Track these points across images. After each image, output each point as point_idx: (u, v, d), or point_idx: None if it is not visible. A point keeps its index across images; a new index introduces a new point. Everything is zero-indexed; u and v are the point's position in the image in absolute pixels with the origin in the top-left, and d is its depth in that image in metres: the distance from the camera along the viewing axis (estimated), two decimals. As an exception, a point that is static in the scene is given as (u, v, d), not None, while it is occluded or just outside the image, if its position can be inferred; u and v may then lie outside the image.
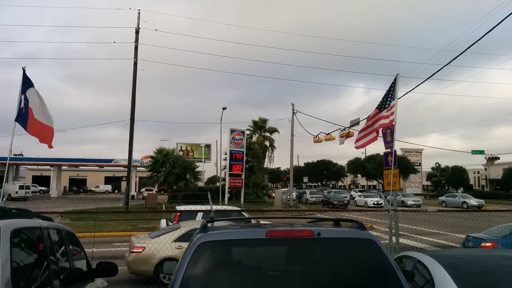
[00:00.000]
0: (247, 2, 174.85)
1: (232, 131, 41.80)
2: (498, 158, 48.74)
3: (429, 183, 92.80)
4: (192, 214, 12.04)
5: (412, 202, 42.73)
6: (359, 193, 53.15)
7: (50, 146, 9.24)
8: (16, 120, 8.32)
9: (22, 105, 8.35)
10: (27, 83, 8.56)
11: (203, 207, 13.84)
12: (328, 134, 32.80)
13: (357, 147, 11.22)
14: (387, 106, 10.03)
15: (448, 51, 39.54)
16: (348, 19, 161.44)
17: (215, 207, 15.20)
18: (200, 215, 11.57)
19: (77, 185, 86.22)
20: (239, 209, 15.95)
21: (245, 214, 13.13)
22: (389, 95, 10.07)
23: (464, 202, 42.49)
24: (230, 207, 15.82)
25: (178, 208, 14.94)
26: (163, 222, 13.87)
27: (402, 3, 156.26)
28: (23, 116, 8.39)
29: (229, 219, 6.72)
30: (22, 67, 8.54)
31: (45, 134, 8.98)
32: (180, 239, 9.11)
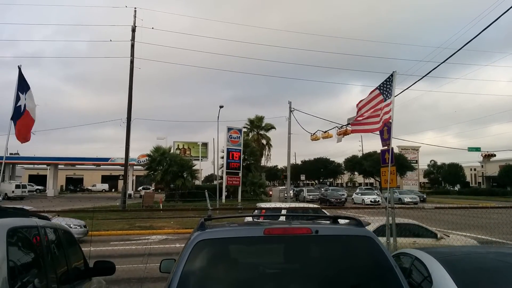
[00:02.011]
0: (246, 2, 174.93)
1: (229, 129, 41.78)
2: (495, 155, 48.77)
3: (426, 180, 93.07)
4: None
5: (409, 200, 42.74)
6: (358, 191, 53.12)
7: (23, 140, 9.09)
8: (11, 119, 8.29)
9: (19, 103, 8.32)
10: (23, 82, 8.52)
11: (287, 204, 13.48)
12: (325, 132, 32.76)
13: (353, 131, 11.15)
14: (386, 99, 10.01)
15: (444, 48, 39.74)
16: (346, 19, 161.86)
17: (302, 204, 14.94)
18: (284, 212, 11.41)
19: (74, 184, 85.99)
20: (317, 206, 15.54)
21: (326, 212, 12.83)
22: (387, 89, 10.04)
23: None
24: (311, 205, 15.50)
25: (263, 205, 14.38)
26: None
27: (399, 5, 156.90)
28: (20, 115, 8.35)
29: (227, 217, 6.71)
30: (18, 66, 8.51)
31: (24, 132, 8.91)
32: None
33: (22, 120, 8.47)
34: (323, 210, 13.63)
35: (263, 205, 14.51)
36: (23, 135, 8.85)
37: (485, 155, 48.09)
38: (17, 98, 8.29)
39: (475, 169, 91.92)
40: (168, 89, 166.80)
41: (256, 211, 13.16)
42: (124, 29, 28.81)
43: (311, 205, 15.16)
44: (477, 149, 47.84)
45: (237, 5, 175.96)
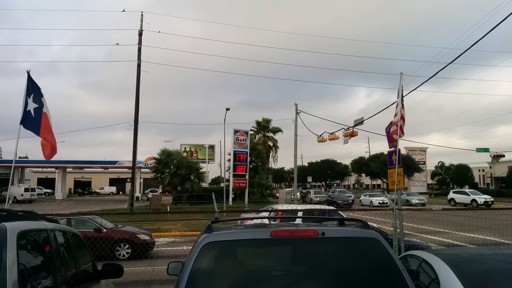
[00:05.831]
0: (255, 8, 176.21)
1: (235, 131, 41.80)
2: (503, 156, 48.37)
3: (434, 181, 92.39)
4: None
5: (417, 201, 42.47)
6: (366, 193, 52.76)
7: (49, 157, 9.00)
8: (20, 123, 8.34)
9: (29, 108, 8.37)
10: (33, 87, 8.57)
11: (304, 206, 13.23)
12: (332, 133, 32.73)
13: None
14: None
15: (451, 49, 39.60)
16: (352, 23, 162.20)
17: (318, 206, 14.36)
18: (300, 214, 11.34)
19: (82, 187, 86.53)
20: (333, 208, 15.19)
21: (342, 214, 12.67)
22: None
23: None
24: (327, 207, 15.20)
25: (279, 207, 14.11)
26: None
27: (403, 9, 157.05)
28: (34, 120, 8.38)
29: (234, 219, 6.73)
30: (27, 71, 8.56)
31: (49, 145, 8.89)
32: None
33: (45, 126, 8.41)
34: (339, 212, 13.40)
35: (279, 207, 14.09)
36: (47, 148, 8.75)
37: (494, 155, 47.72)
38: (26, 103, 8.35)
39: (483, 170, 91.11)
40: (179, 94, 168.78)
41: (272, 213, 12.98)
42: (136, 34, 28.87)
43: (327, 207, 14.92)
44: (486, 150, 47.45)
45: (247, 11, 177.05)
